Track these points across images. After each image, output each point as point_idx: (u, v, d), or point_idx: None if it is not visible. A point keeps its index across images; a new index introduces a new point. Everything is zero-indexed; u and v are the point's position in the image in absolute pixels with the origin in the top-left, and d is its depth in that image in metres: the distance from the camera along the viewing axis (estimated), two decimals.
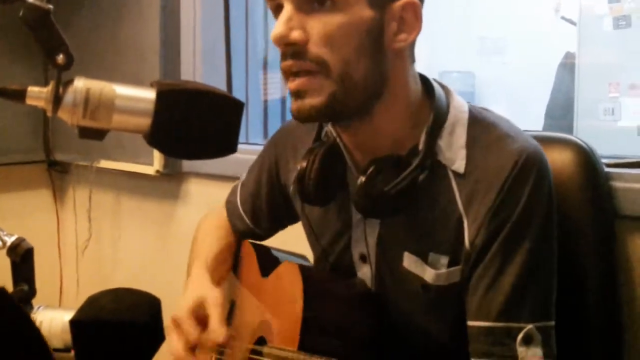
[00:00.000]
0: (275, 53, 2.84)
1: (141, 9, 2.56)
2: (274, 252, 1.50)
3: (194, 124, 0.89)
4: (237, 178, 1.62)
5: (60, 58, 0.85)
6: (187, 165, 2.52)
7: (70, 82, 0.84)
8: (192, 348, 1.22)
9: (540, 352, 1.11)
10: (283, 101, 2.88)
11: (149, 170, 2.53)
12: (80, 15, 2.78)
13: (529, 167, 1.13)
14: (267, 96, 2.87)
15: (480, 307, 1.14)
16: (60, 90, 0.84)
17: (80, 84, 0.84)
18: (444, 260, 1.18)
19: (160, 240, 2.74)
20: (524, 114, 4.01)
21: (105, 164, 2.77)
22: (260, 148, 1.56)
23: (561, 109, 4.15)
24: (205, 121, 0.90)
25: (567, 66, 4.29)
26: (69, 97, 0.84)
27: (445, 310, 1.22)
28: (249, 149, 2.31)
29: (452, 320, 1.21)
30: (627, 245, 1.45)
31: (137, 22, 2.58)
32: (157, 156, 2.48)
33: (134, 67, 2.60)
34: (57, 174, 3.15)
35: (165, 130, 0.88)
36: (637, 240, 1.45)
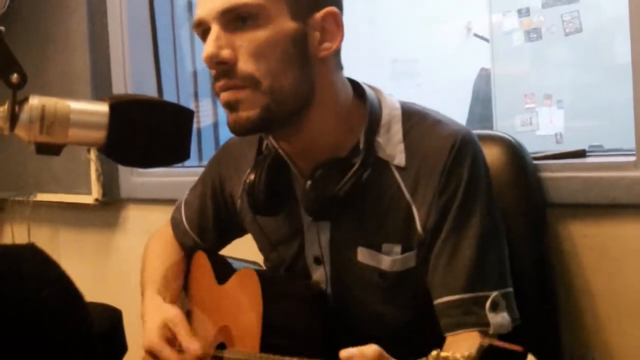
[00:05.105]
0: (203, 85, 2.86)
1: (70, 42, 2.56)
2: (229, 260, 1.52)
3: (147, 133, 0.92)
4: (176, 201, 1.64)
5: (15, 77, 0.87)
6: (126, 191, 2.52)
7: (25, 100, 0.87)
8: None
9: (508, 317, 1.17)
10: (215, 126, 2.92)
11: (88, 199, 2.52)
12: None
13: (465, 146, 1.21)
14: (200, 124, 2.91)
15: (444, 283, 1.19)
16: (16, 108, 0.86)
17: (35, 101, 0.87)
18: (397, 248, 1.24)
19: (101, 269, 2.72)
20: None
21: (42, 197, 2.75)
22: (195, 170, 1.55)
23: (480, 122, 4.27)
24: (158, 129, 0.92)
25: (483, 79, 4.41)
26: (25, 114, 0.86)
27: (400, 297, 1.27)
28: (185, 172, 2.33)
29: (407, 306, 1.26)
30: (558, 232, 1.52)
31: (66, 54, 2.58)
32: (95, 184, 2.47)
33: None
34: None
35: (120, 140, 0.90)
36: (567, 226, 1.51)
